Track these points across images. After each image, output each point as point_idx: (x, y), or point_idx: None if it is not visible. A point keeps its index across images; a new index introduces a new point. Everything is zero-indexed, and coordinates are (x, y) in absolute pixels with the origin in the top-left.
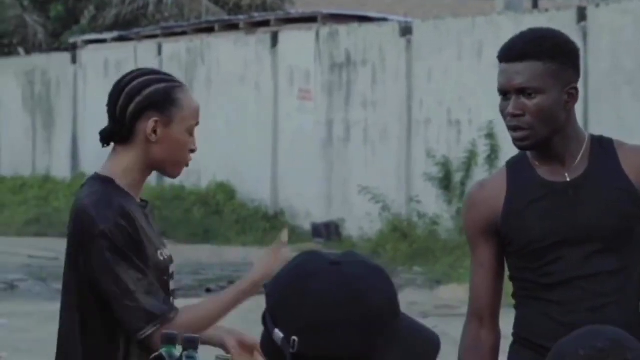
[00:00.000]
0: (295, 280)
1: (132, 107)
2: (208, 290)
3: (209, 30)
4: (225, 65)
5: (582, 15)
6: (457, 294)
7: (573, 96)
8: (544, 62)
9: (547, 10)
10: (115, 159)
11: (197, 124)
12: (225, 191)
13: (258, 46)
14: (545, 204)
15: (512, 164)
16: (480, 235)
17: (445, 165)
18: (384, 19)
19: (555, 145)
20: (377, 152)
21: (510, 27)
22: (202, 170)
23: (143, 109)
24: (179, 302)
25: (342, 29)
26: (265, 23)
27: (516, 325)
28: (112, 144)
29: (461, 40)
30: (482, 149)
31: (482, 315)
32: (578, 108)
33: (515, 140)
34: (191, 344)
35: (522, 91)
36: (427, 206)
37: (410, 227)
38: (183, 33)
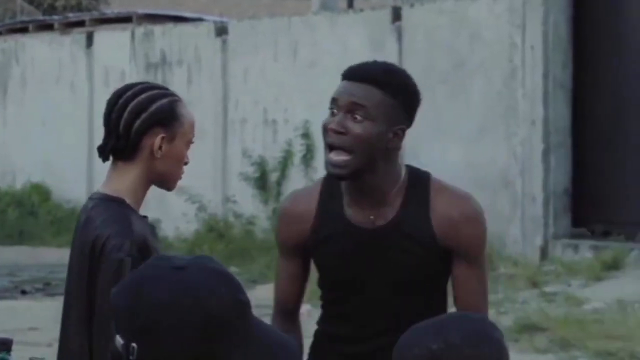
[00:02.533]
0: (135, 285)
1: (138, 123)
2: (23, 292)
3: (23, 30)
4: (40, 65)
5: (397, 15)
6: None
7: (398, 136)
8: (384, 93)
9: (362, 10)
10: (120, 176)
11: (193, 137)
12: (40, 192)
13: (73, 46)
14: (347, 246)
15: (327, 185)
16: (290, 249)
17: (261, 165)
18: (200, 19)
19: (366, 183)
20: (193, 152)
21: (325, 27)
22: (17, 170)
23: (150, 126)
24: None
25: (157, 29)
26: (80, 23)
27: (317, 333)
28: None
29: (277, 40)
30: (298, 149)
31: (288, 314)
32: None
33: (333, 166)
34: (4, 346)
35: (351, 111)
36: (243, 206)
37: (227, 227)
38: None
